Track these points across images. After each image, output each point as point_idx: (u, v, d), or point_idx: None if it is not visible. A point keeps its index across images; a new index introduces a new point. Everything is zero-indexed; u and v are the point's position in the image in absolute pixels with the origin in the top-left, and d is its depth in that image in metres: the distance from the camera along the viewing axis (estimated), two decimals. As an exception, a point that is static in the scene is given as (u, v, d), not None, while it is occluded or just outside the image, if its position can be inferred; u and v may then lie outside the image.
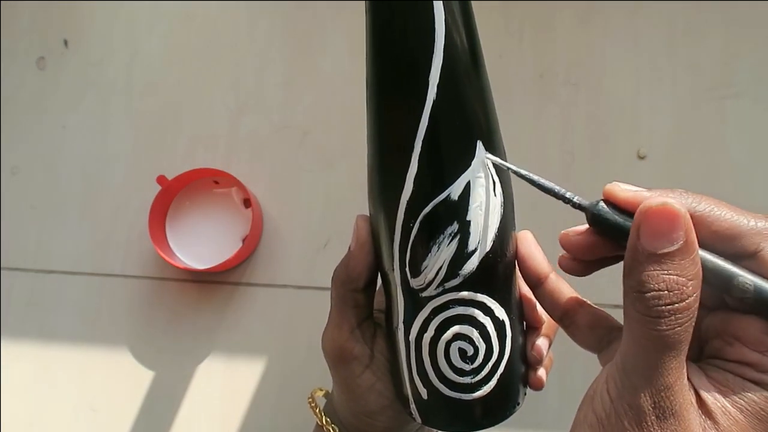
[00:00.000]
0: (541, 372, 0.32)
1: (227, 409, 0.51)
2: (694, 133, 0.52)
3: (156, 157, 0.56)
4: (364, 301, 0.32)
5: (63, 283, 0.54)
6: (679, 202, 0.23)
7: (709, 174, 0.51)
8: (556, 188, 0.26)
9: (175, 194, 0.54)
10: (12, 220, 0.56)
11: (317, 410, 0.36)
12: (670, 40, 0.53)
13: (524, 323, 0.32)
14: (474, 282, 0.28)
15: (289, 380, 0.51)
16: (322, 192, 0.54)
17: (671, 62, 0.53)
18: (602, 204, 0.25)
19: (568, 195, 0.26)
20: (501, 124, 0.29)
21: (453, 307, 0.28)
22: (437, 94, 0.25)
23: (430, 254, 0.27)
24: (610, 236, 0.26)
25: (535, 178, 0.26)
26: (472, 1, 0.27)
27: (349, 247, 0.32)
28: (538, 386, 0.32)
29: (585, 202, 0.26)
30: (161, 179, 0.52)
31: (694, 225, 0.23)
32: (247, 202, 0.53)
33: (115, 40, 0.58)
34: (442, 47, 0.25)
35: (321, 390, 0.39)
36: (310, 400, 0.37)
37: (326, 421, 0.35)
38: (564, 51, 0.54)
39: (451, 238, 0.27)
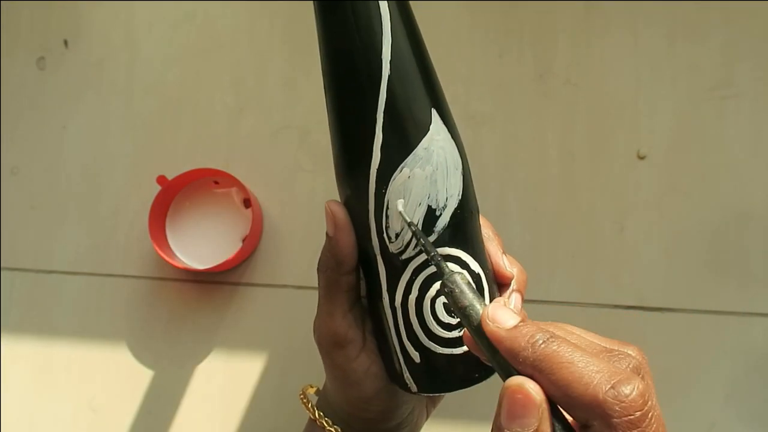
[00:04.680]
0: None
1: (227, 409, 0.51)
2: (694, 133, 0.52)
3: (156, 157, 0.56)
4: (354, 283, 0.33)
5: (63, 283, 0.54)
6: (536, 385, 0.23)
7: (709, 174, 0.51)
8: (432, 251, 0.28)
9: (175, 194, 0.54)
10: (12, 220, 0.56)
11: (309, 405, 0.36)
12: (670, 40, 0.53)
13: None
14: (447, 237, 0.30)
15: (289, 380, 0.51)
16: (322, 192, 0.54)
17: (671, 62, 0.53)
18: (457, 279, 0.27)
19: (436, 258, 0.28)
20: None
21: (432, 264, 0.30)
22: (391, 69, 0.28)
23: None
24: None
25: (421, 237, 0.29)
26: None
27: (327, 233, 0.32)
28: None
29: (445, 270, 0.27)
30: (161, 179, 0.52)
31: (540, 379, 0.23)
32: (247, 202, 0.53)
33: (115, 40, 0.58)
34: (390, 28, 0.28)
35: (312, 387, 0.39)
36: (302, 396, 0.37)
37: (319, 414, 0.35)
38: (564, 51, 0.54)
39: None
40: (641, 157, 0.52)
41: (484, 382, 0.32)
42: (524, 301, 0.34)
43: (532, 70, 0.54)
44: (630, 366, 0.24)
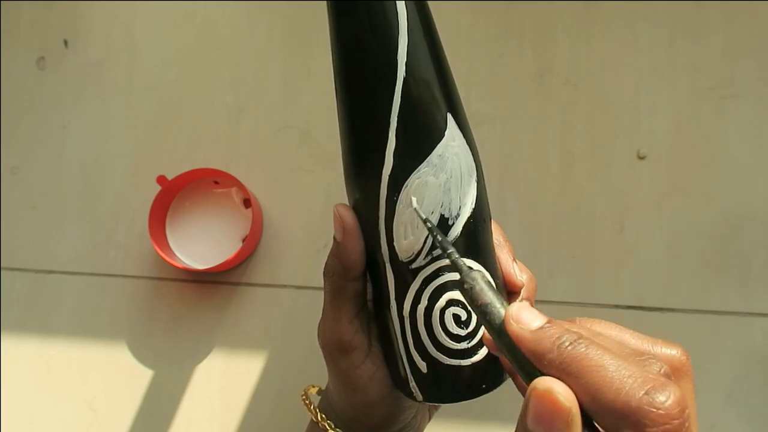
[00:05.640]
0: None
1: (227, 409, 0.51)
2: (694, 133, 0.52)
3: (156, 157, 0.56)
4: (361, 290, 0.32)
5: (63, 283, 0.54)
6: (566, 390, 0.21)
7: (709, 174, 0.51)
8: (449, 248, 0.27)
9: (175, 194, 0.54)
10: (12, 220, 0.56)
11: (311, 407, 0.36)
12: (670, 40, 0.53)
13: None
14: (459, 247, 0.29)
15: (289, 380, 0.51)
16: (322, 192, 0.54)
17: (671, 62, 0.53)
18: (477, 277, 0.26)
19: (454, 256, 0.27)
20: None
21: (443, 274, 0.29)
22: (406, 71, 0.27)
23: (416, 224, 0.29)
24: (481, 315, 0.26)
25: (438, 235, 0.28)
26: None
27: (335, 238, 0.32)
28: None
29: (464, 267, 0.26)
30: (161, 179, 0.52)
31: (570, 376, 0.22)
32: (247, 202, 0.53)
33: (115, 40, 0.58)
34: (407, 28, 0.27)
35: (314, 387, 0.39)
36: (304, 397, 0.37)
37: (321, 417, 0.35)
38: (564, 51, 0.54)
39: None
40: (641, 157, 0.52)
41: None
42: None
43: (532, 70, 0.54)
44: (662, 371, 0.23)
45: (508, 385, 0.32)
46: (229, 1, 0.58)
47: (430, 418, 0.39)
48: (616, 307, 0.50)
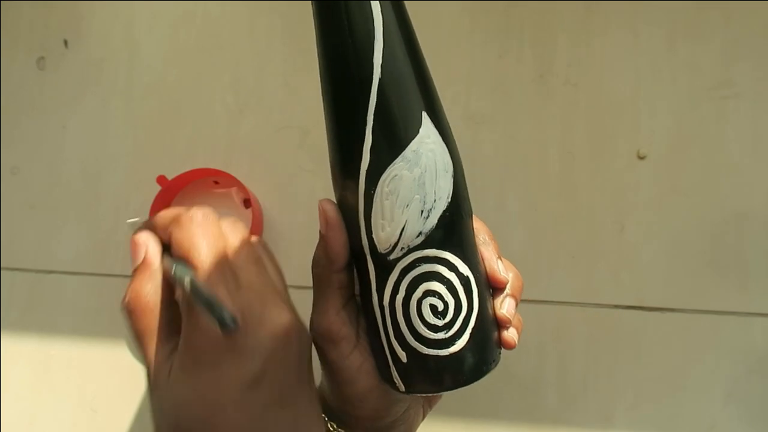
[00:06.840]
0: (512, 331, 0.34)
1: (227, 409, 0.51)
2: (694, 133, 0.52)
3: (156, 157, 0.56)
4: (346, 281, 0.34)
5: (63, 283, 0.54)
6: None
7: (709, 174, 0.51)
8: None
9: (175, 194, 0.54)
10: (12, 220, 0.56)
11: None
12: (670, 40, 0.53)
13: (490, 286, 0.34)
14: (435, 239, 0.31)
15: (289, 380, 0.51)
16: (322, 192, 0.54)
17: (671, 62, 0.53)
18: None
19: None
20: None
21: (419, 266, 0.31)
22: (382, 72, 0.29)
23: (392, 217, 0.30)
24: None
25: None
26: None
27: (320, 231, 0.33)
28: (509, 345, 0.34)
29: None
30: (161, 179, 0.52)
31: None
32: (247, 202, 0.53)
33: (115, 40, 0.58)
34: (382, 32, 0.29)
35: None
36: None
37: None
38: (564, 51, 0.54)
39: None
40: (641, 157, 0.52)
41: (475, 383, 0.32)
42: (522, 302, 0.34)
43: (532, 70, 0.54)
44: None
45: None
46: (229, 1, 0.58)
47: (424, 416, 0.39)
48: (616, 307, 0.50)
